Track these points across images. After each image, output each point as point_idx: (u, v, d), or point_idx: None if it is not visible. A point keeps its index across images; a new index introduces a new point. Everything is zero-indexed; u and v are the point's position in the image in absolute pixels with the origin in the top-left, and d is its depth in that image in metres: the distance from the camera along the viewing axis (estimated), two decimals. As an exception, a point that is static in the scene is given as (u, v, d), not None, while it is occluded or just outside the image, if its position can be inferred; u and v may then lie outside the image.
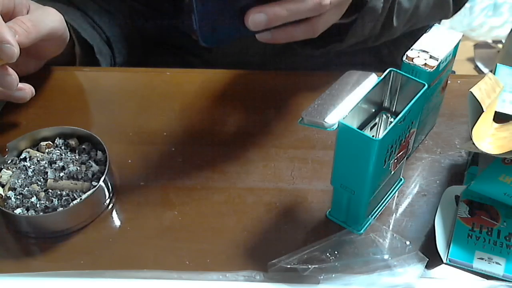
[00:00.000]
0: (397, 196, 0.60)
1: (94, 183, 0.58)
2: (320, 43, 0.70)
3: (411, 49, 0.56)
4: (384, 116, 0.55)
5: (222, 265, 0.54)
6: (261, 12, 0.52)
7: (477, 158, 0.60)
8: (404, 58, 0.55)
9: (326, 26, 0.58)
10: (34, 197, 0.57)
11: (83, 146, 0.61)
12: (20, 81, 0.61)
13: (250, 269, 0.54)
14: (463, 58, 1.98)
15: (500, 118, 0.59)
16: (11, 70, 0.60)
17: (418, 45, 0.56)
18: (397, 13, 0.70)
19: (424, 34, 0.57)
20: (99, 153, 0.61)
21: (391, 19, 0.70)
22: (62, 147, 0.61)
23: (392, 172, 0.54)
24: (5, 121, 0.68)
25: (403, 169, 0.60)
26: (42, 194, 0.57)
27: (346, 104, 0.50)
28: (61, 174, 0.58)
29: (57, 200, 0.56)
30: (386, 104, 0.55)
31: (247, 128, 0.67)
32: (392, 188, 0.60)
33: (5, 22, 0.58)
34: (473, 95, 0.55)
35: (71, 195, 0.57)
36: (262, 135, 0.66)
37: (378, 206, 0.58)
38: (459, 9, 0.82)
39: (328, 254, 0.54)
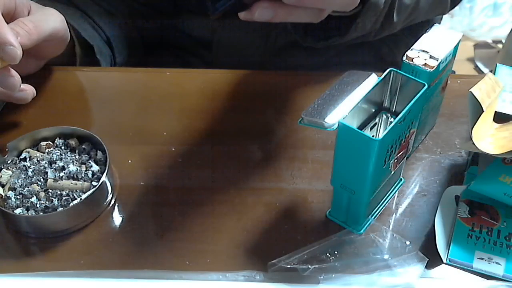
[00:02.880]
0: (397, 196, 0.60)
1: (94, 183, 0.58)
2: (321, 36, 0.70)
3: (411, 49, 0.56)
4: (384, 116, 0.55)
5: (222, 265, 0.54)
6: (269, 8, 0.50)
7: (477, 158, 0.60)
8: (404, 58, 0.55)
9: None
10: (34, 197, 0.57)
11: (83, 146, 0.61)
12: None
13: (250, 269, 0.54)
14: (463, 58, 1.98)
15: (500, 118, 0.59)
16: (13, 72, 0.60)
17: (418, 45, 0.56)
18: (398, 9, 0.70)
19: (424, 34, 0.57)
20: (99, 153, 0.61)
21: (391, 14, 0.70)
22: (62, 147, 0.61)
23: (392, 172, 0.54)
24: (5, 121, 0.68)
25: (403, 169, 0.60)
26: (42, 194, 0.57)
27: (346, 104, 0.50)
28: (61, 174, 0.58)
29: (57, 200, 0.56)
30: (386, 104, 0.55)
31: (247, 128, 0.67)
32: (392, 188, 0.60)
33: (7, 23, 0.58)
34: (473, 95, 0.55)
35: (71, 195, 0.57)
36: (262, 135, 0.66)
37: (378, 206, 0.58)
38: (456, 4, 0.82)
39: (328, 254, 0.54)
